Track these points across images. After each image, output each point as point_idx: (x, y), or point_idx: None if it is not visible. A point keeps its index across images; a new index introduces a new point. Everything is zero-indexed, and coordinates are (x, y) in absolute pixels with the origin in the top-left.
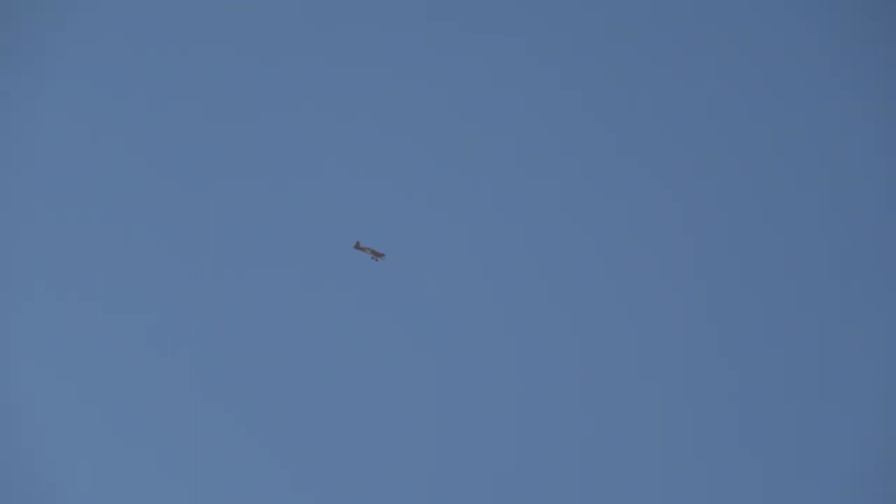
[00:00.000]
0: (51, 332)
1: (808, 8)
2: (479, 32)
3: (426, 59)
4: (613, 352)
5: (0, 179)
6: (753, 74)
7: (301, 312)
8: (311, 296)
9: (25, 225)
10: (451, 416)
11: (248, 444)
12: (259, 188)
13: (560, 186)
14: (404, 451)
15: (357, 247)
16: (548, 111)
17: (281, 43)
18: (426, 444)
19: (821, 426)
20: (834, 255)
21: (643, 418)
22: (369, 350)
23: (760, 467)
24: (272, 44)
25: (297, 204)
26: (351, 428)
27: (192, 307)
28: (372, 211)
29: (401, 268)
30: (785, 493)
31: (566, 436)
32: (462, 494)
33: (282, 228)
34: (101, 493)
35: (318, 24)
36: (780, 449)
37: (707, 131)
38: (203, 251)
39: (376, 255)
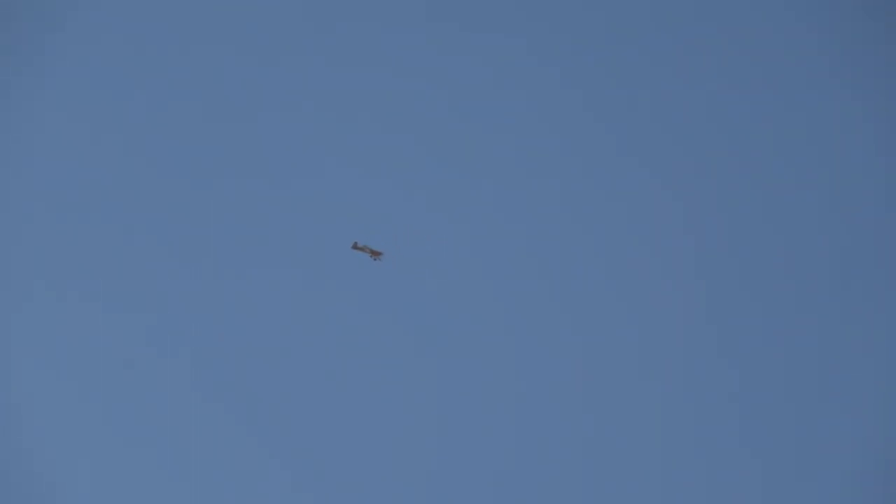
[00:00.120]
0: (51, 332)
1: (808, 8)
2: (479, 32)
3: (426, 59)
4: (613, 352)
5: (0, 179)
6: (753, 74)
7: (301, 312)
8: (311, 296)
9: (25, 225)
10: (451, 416)
11: (248, 444)
12: (259, 188)
13: (560, 186)
14: (404, 451)
15: (355, 247)
16: (548, 111)
17: (281, 43)
18: (426, 444)
19: (821, 426)
20: (834, 255)
21: (643, 418)
22: (369, 350)
23: (760, 467)
24: (272, 44)
25: (297, 204)
26: (351, 428)
27: (192, 307)
28: (372, 211)
29: (401, 268)
30: (785, 493)
31: (566, 436)
32: (462, 494)
33: (282, 228)
34: (101, 493)
35: (318, 23)
36: (780, 449)
37: (707, 131)
38: (203, 251)
39: (375, 254)
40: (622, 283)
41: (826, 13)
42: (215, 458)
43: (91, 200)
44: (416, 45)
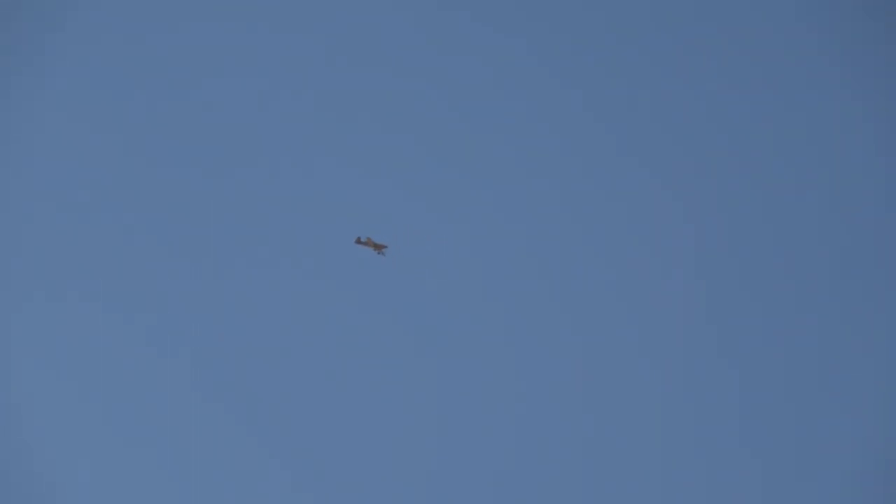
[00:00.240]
0: (51, 332)
1: (808, 8)
2: (478, 32)
3: (426, 59)
4: (613, 351)
5: (0, 179)
6: (753, 74)
7: (301, 312)
8: (311, 296)
9: (25, 225)
10: (451, 416)
11: (248, 444)
12: (259, 188)
13: (560, 186)
14: (404, 451)
15: (358, 242)
16: (548, 111)
17: (281, 42)
18: (426, 444)
19: (821, 426)
20: (834, 255)
21: (643, 418)
22: (369, 350)
23: (760, 467)
24: (272, 43)
25: (297, 204)
26: (351, 428)
27: (192, 307)
28: (372, 211)
29: (401, 267)
30: (785, 493)
31: (566, 436)
32: (462, 494)
33: (282, 228)
34: (101, 493)
35: (319, 23)
36: (780, 449)
37: (707, 131)
38: (203, 251)
39: (378, 247)
40: (622, 283)
41: (826, 13)
42: (215, 457)
43: (91, 200)
44: (416, 45)
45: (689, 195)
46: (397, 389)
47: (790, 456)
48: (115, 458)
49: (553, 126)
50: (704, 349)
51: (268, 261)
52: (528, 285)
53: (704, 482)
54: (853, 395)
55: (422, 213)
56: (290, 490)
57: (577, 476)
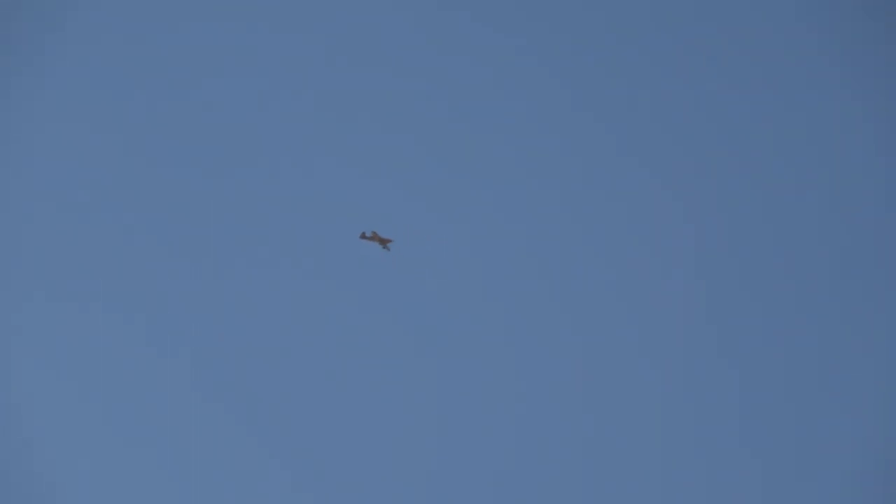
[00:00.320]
0: (51, 332)
1: (808, 8)
2: (478, 32)
3: (426, 59)
4: (613, 351)
5: (0, 179)
6: (753, 74)
7: (301, 312)
8: (311, 296)
9: (25, 225)
10: (451, 416)
11: (248, 444)
12: (259, 188)
13: (560, 186)
14: (404, 451)
15: (363, 237)
16: (548, 111)
17: (281, 42)
18: (426, 444)
19: (821, 426)
20: (834, 255)
21: (643, 418)
22: (369, 350)
23: (760, 467)
24: (272, 43)
25: (297, 204)
26: (351, 428)
27: (192, 307)
28: (372, 211)
29: (401, 267)
30: (785, 493)
31: (566, 436)
32: (462, 494)
33: (281, 228)
34: (101, 493)
35: (319, 23)
36: (780, 449)
37: (707, 131)
38: (203, 251)
39: (384, 242)
40: (622, 283)
41: (826, 13)
42: (215, 457)
43: (91, 200)
44: (416, 45)
45: (689, 195)
46: (397, 389)
47: (790, 456)
48: (115, 457)
49: (553, 126)
50: (704, 349)
51: (268, 261)
52: (528, 285)
53: (704, 482)
54: (853, 395)
55: (422, 212)
56: (290, 490)
57: (578, 476)
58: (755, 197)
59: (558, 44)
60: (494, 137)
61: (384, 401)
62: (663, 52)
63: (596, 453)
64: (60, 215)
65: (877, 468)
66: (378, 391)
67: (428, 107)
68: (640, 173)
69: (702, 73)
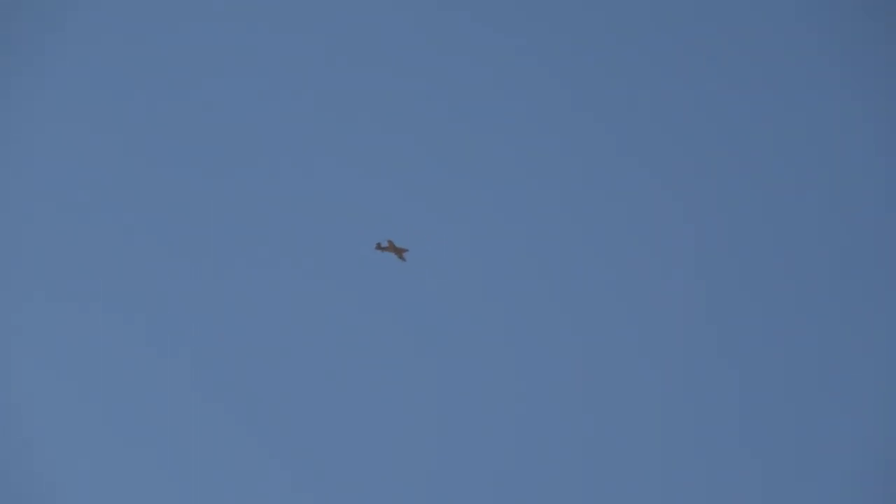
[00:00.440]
0: (51, 332)
1: (808, 8)
2: (478, 32)
3: (426, 59)
4: (613, 351)
5: (0, 179)
6: (753, 74)
7: (300, 312)
8: (311, 296)
9: (25, 225)
10: (452, 416)
11: (248, 444)
12: (259, 188)
13: (560, 186)
14: (404, 451)
15: (378, 247)
16: (548, 111)
17: (281, 42)
18: (426, 444)
19: (821, 426)
20: (834, 255)
21: (643, 418)
22: (369, 350)
23: (760, 467)
24: (272, 43)
25: (297, 204)
26: (351, 428)
27: (192, 307)
28: (372, 211)
29: (400, 267)
30: (785, 493)
31: (566, 435)
32: (462, 494)
33: (281, 228)
34: (101, 493)
35: (319, 23)
36: (780, 449)
37: (707, 131)
38: (203, 251)
39: (399, 252)
40: (622, 283)
41: (826, 13)
42: (215, 457)
43: (91, 200)
44: (416, 45)
45: (689, 195)
46: (397, 389)
47: (790, 456)
48: (115, 457)
49: (553, 126)
50: (704, 349)
51: (267, 261)
52: (528, 285)
53: (704, 482)
54: (853, 395)
55: (421, 212)
56: (290, 490)
57: (578, 476)
58: (755, 197)
59: (558, 44)
60: (494, 137)
61: (384, 401)
62: (663, 52)
63: (596, 453)
64: (60, 215)
65: (877, 468)
66: (378, 391)
67: (428, 107)
68: (640, 173)
69: (702, 73)
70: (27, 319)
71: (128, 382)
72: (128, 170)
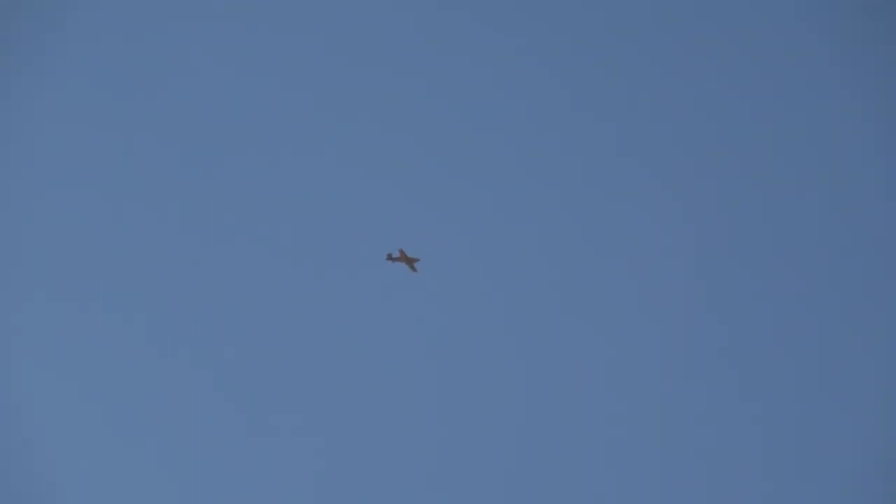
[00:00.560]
0: (51, 332)
1: (808, 8)
2: (478, 32)
3: (426, 59)
4: (613, 351)
5: (0, 179)
6: (753, 74)
7: (301, 312)
8: (311, 296)
9: (25, 225)
10: (453, 417)
11: (249, 444)
12: (259, 188)
13: (560, 186)
14: (405, 451)
15: (389, 258)
16: (548, 111)
17: (281, 42)
18: (427, 444)
19: (821, 426)
20: (834, 255)
21: (643, 418)
22: (369, 349)
23: (760, 467)
24: (272, 43)
25: (297, 204)
26: (351, 428)
27: (192, 307)
28: (372, 210)
29: (400, 267)
30: (785, 493)
31: (566, 435)
32: (464, 495)
33: (281, 228)
34: (101, 493)
35: (319, 23)
36: (781, 449)
37: (707, 131)
38: (203, 251)
39: (410, 262)
40: (622, 283)
41: (826, 13)
42: (215, 457)
43: (91, 200)
44: (416, 45)
45: (689, 195)
46: (397, 389)
47: (790, 456)
48: (115, 457)
49: (553, 126)
50: (704, 349)
51: (268, 261)
52: (528, 285)
53: (704, 482)
54: (853, 395)
55: (421, 212)
56: (291, 490)
57: (578, 476)
58: (755, 197)
59: (558, 44)
60: (494, 137)
61: (384, 401)
62: (663, 52)
63: (596, 453)
64: (60, 215)
65: (877, 468)
66: (378, 391)
67: (428, 107)
68: (640, 173)
69: (702, 73)
70: (27, 319)
71: (128, 382)
72: (128, 170)
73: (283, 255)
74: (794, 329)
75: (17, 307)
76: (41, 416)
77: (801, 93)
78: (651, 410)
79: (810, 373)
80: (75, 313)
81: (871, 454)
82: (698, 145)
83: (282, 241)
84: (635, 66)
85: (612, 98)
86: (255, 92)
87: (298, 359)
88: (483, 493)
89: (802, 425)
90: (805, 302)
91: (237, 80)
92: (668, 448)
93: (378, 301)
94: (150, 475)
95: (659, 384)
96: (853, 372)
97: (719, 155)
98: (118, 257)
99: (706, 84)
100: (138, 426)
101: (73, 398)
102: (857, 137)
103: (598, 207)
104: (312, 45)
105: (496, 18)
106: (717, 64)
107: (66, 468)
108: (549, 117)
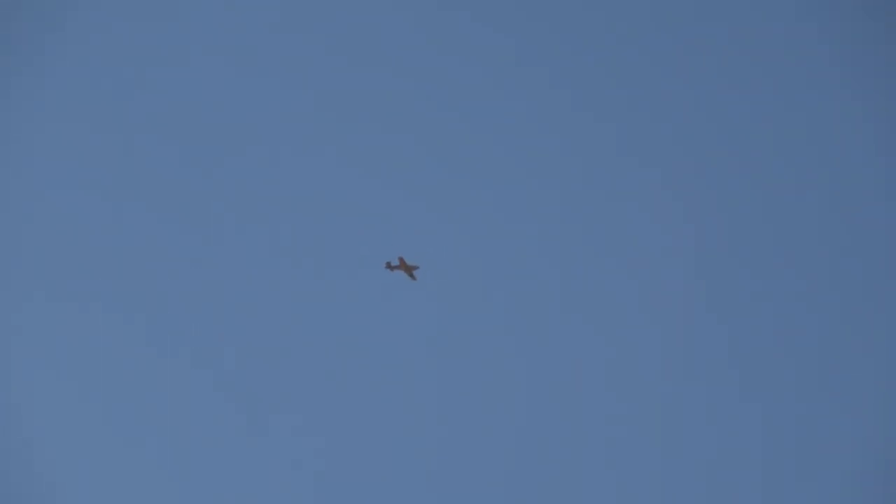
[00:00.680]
0: (51, 332)
1: (808, 8)
2: (478, 32)
3: (426, 59)
4: (613, 352)
5: (0, 179)
6: (753, 74)
7: (301, 312)
8: (312, 296)
9: (25, 225)
10: (453, 417)
11: (249, 445)
12: (259, 188)
13: (560, 186)
14: (405, 452)
15: (388, 266)
16: (548, 111)
17: (281, 42)
18: (427, 445)
19: (821, 426)
20: (834, 255)
21: (642, 417)
22: (369, 350)
23: (760, 467)
24: (272, 43)
25: (297, 204)
26: (351, 428)
27: (192, 307)
28: (372, 211)
29: (399, 274)
30: (785, 493)
31: (566, 435)
32: (464, 495)
33: (281, 228)
34: (101, 493)
35: (319, 23)
36: (780, 449)
37: (707, 131)
38: (203, 251)
39: (410, 270)
40: (622, 283)
41: (826, 13)
42: (215, 457)
43: (91, 200)
44: (416, 45)
45: (689, 195)
46: (397, 390)
47: (790, 456)
48: (116, 457)
49: (553, 126)
50: (704, 349)
51: (268, 261)
52: (527, 285)
53: (704, 482)
54: (853, 395)
55: (421, 212)
56: (291, 490)
57: (578, 476)
58: (755, 197)
59: (558, 44)
60: (494, 137)
61: (384, 401)
62: (663, 52)
63: (596, 453)
64: (60, 215)
65: (877, 468)
66: (378, 391)
67: (428, 107)
68: (640, 173)
69: (702, 73)
70: (27, 319)
71: (128, 382)
72: (128, 170)
73: (283, 255)
74: (795, 329)
75: (17, 307)
76: (41, 416)
77: (801, 93)
78: (651, 410)
79: (811, 373)
80: (75, 313)
81: (872, 454)
82: (698, 145)
83: (282, 241)
84: (635, 66)
85: (612, 98)
86: (256, 92)
87: (298, 359)
88: (483, 493)
89: (802, 425)
90: (805, 302)
91: (237, 80)
92: (669, 448)
93: (378, 301)
94: (150, 475)
95: (659, 384)
96: (853, 372)
97: (719, 155)
98: (118, 257)
99: (706, 84)
100: (138, 426)
101: (73, 398)
102: (857, 137)
103: (598, 208)
104: (312, 45)
105: (496, 19)
106: (717, 64)
107: (66, 468)
108: (549, 117)
